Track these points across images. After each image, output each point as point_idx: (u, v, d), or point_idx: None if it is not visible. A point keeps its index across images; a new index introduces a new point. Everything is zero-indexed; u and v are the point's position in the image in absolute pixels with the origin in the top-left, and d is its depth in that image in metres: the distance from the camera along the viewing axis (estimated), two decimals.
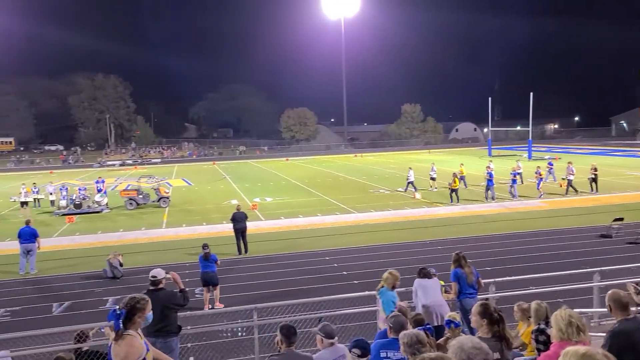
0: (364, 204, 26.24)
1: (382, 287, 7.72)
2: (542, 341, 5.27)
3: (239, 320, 9.17)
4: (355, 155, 69.47)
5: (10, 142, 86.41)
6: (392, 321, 5.30)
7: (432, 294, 7.96)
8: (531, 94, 50.35)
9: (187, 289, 7.39)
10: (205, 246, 12.37)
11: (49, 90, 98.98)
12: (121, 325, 4.13)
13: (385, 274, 7.68)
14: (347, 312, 8.97)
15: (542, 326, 5.46)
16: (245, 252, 16.95)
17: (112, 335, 4.29)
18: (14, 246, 17.23)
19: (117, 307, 4.27)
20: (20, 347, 7.93)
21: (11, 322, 11.82)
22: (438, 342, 5.68)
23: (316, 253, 16.93)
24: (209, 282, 12.13)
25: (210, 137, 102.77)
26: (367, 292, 10.13)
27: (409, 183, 29.83)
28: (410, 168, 30.56)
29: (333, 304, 9.55)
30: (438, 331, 7.07)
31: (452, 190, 25.50)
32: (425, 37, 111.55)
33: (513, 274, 11.67)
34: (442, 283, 8.53)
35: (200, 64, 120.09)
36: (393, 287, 7.70)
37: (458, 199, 25.51)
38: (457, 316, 6.50)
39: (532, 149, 54.31)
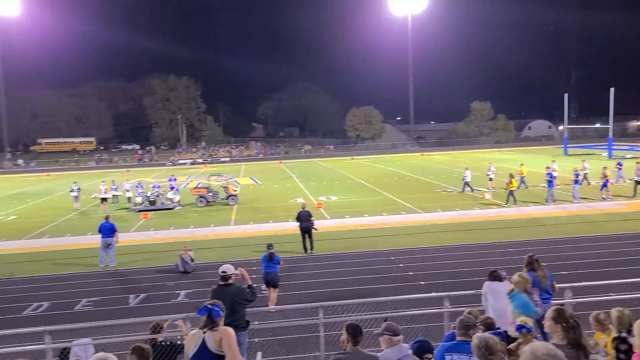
0: (430, 204, 25.77)
1: (513, 290, 7.41)
2: (624, 350, 4.96)
3: (305, 318, 9.24)
4: (422, 154, 68.40)
5: (91, 142, 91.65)
6: (459, 322, 5.16)
7: (503, 298, 7.67)
8: (612, 89, 47.56)
9: (254, 285, 7.54)
10: (270, 246, 12.32)
11: (126, 93, 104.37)
12: (222, 314, 4.80)
13: (515, 277, 7.36)
14: (413, 313, 8.84)
15: (624, 335, 5.13)
16: (311, 250, 17.01)
17: (184, 327, 4.53)
18: (94, 240, 18.26)
19: (208, 303, 4.89)
20: (100, 335, 8.39)
21: (92, 311, 12.53)
22: (509, 347, 5.48)
23: (381, 253, 16.80)
24: (270, 282, 12.07)
25: (277, 137, 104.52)
26: (433, 294, 9.95)
27: (465, 183, 29.13)
28: (466, 168, 29.83)
29: (398, 304, 9.45)
30: (509, 336, 6.81)
31: (509, 192, 24.58)
32: (496, 31, 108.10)
33: (591, 279, 11.07)
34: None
35: (267, 65, 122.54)
36: (525, 290, 7.38)
37: (515, 201, 24.51)
38: (529, 321, 6.24)
39: (613, 147, 51.28)
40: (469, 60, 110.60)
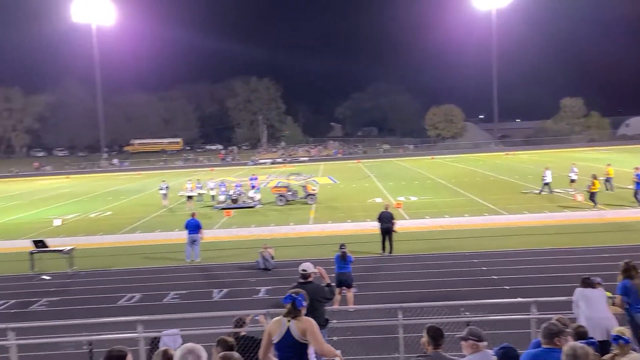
0: (516, 205, 24.73)
1: None
2: None
3: (384, 319, 9.17)
4: (507, 154, 65.80)
5: (179, 143, 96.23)
6: (543, 329, 4.90)
7: (596, 306, 7.21)
8: None
9: (332, 284, 7.58)
10: (342, 246, 12.21)
11: (211, 95, 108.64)
12: (304, 304, 5.11)
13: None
14: (497, 318, 8.51)
15: None
16: (390, 252, 16.72)
17: (265, 323, 4.65)
18: (181, 236, 19.16)
19: (293, 292, 5.16)
20: (187, 326, 8.78)
21: (179, 304, 13.15)
22: (603, 358, 5.14)
23: (463, 255, 16.33)
24: (343, 282, 11.89)
25: (355, 136, 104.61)
26: (519, 299, 9.53)
27: (545, 184, 27.66)
28: (547, 168, 28.26)
29: (481, 309, 9.15)
30: (603, 347, 6.38)
31: (591, 194, 23.02)
32: (586, 23, 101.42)
33: None
34: (609, 295, 7.68)
35: (347, 65, 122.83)
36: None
37: (595, 203, 22.87)
38: (626, 331, 5.80)
39: None
40: (557, 54, 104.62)
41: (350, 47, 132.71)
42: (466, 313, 8.27)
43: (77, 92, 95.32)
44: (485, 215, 22.91)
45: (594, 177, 23.40)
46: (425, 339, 5.10)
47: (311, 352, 5.14)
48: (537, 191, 28.13)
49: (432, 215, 23.48)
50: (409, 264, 15.75)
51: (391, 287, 13.52)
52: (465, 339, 4.95)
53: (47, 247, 16.85)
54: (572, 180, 28.03)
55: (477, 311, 9.15)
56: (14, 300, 13.94)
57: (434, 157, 66.48)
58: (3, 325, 8.11)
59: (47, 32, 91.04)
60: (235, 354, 4.13)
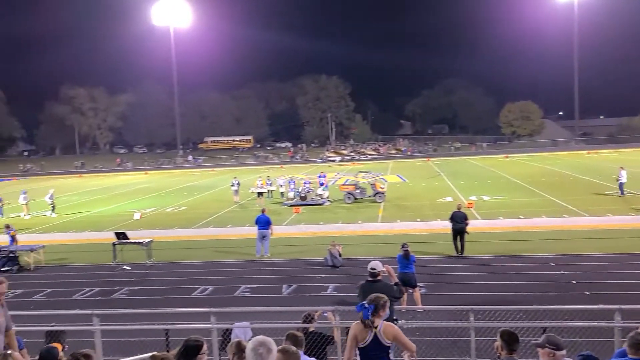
0: (598, 207, 23.38)
1: None
2: None
3: (455, 320, 8.94)
4: (589, 152, 62.39)
5: (249, 140, 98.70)
6: (630, 339, 4.57)
7: None
8: None
9: (400, 283, 7.48)
10: (404, 245, 12.03)
11: (281, 93, 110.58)
12: (370, 315, 5.34)
13: None
14: (577, 325, 8.06)
15: None
16: (462, 252, 16.27)
17: (333, 320, 4.68)
18: (251, 231, 19.60)
19: (366, 302, 5.45)
20: (257, 320, 8.97)
21: (250, 297, 13.47)
22: None
23: (539, 258, 15.64)
24: (407, 283, 11.54)
25: (425, 134, 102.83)
26: (601, 306, 8.99)
27: (620, 184, 26.12)
28: (622, 168, 26.62)
29: (559, 314, 8.72)
30: None
31: None
32: None
33: None
34: None
35: (417, 61, 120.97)
36: None
37: None
38: None
39: None
40: None
41: (421, 43, 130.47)
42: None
43: (155, 92, 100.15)
44: (564, 217, 21.83)
45: None
46: (499, 343, 4.92)
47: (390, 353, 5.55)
48: (620, 193, 26.42)
49: (506, 216, 22.66)
50: (481, 265, 15.28)
51: (462, 289, 13.16)
52: (542, 346, 4.72)
53: (127, 239, 17.79)
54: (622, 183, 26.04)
55: (554, 317, 8.73)
56: (99, 288, 14.82)
57: (508, 155, 64.11)
58: (89, 312, 8.64)
59: (129, 35, 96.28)
60: (293, 348, 4.18)
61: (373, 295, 5.53)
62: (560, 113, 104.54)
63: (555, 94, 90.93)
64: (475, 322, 7.84)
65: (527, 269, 14.56)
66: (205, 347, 4.69)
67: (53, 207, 30.21)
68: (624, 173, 26.16)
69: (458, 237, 16.30)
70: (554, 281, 13.37)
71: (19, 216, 29.49)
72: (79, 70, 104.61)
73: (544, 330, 7.65)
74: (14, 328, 6.48)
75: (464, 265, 15.37)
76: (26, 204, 29.94)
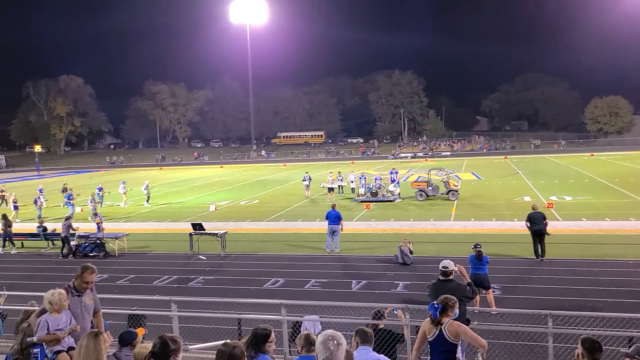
0: None
1: None
2: None
3: (531, 325, 8.58)
4: None
5: (321, 136, 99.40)
6: None
7: None
8: None
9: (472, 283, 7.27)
10: (477, 245, 11.71)
11: (353, 89, 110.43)
12: (438, 314, 5.60)
13: None
14: None
15: None
16: (542, 256, 15.37)
17: (403, 318, 4.63)
18: (321, 226, 19.76)
19: (436, 302, 5.69)
20: (326, 314, 9.04)
21: (319, 291, 13.59)
22: None
23: (626, 263, 14.67)
24: (479, 284, 11.19)
25: (503, 130, 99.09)
26: None
27: None
28: None
29: None
30: None
31: None
32: None
33: None
34: None
35: (494, 54, 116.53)
36: None
37: None
38: None
39: None
40: None
41: (500, 35, 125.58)
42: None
43: (231, 88, 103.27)
44: None
45: None
46: (579, 351, 4.67)
47: (459, 350, 5.79)
48: None
49: (590, 218, 21.44)
50: (561, 269, 14.54)
51: (540, 292, 12.60)
52: (632, 356, 4.43)
53: (204, 230, 18.48)
54: None
55: None
56: (176, 276, 15.51)
57: (594, 154, 60.56)
58: (167, 298, 9.07)
59: (208, 33, 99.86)
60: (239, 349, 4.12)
61: (443, 296, 5.74)
62: None
63: None
64: (553, 328, 7.50)
65: (611, 274, 13.70)
66: (273, 335, 4.82)
67: (148, 197, 31.80)
68: None
69: (537, 240, 15.45)
70: (639, 288, 12.52)
71: (119, 205, 31.14)
72: (162, 67, 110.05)
73: (630, 340, 7.19)
74: (102, 310, 6.93)
75: (543, 268, 14.69)
76: (125, 193, 31.59)
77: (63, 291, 6.13)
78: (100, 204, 29.27)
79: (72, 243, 18.97)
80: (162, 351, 3.91)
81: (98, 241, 18.97)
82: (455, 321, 5.68)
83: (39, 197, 28.39)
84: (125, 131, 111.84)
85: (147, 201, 31.70)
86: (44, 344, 5.96)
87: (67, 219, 19.50)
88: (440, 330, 5.61)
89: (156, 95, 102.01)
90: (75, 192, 29.23)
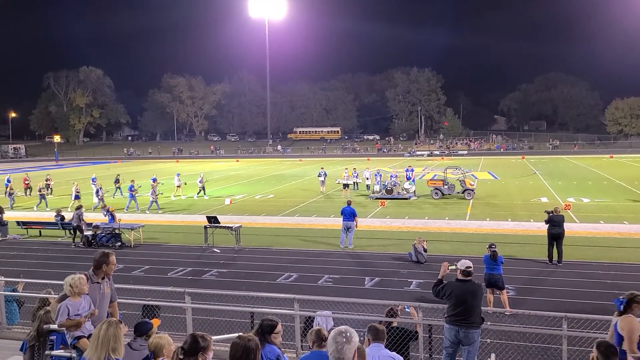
0: None
1: None
2: None
3: (545, 327, 8.50)
4: None
5: (337, 132, 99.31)
6: None
7: None
8: None
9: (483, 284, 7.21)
10: (492, 245, 11.64)
11: (370, 85, 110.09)
12: (621, 308, 5.93)
13: None
14: None
15: None
16: (559, 262, 14.96)
17: (416, 316, 4.56)
18: (336, 222, 19.75)
19: (622, 296, 6.03)
20: (339, 310, 9.05)
21: (332, 287, 13.60)
22: None
23: None
24: (494, 284, 11.33)
25: (521, 130, 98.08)
26: None
27: None
28: None
29: None
30: None
31: None
32: None
33: None
34: None
35: (513, 53, 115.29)
36: None
37: None
38: None
39: None
40: None
41: (519, 34, 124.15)
42: None
43: (249, 82, 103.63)
44: None
45: None
46: (594, 354, 4.63)
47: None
48: None
49: (608, 220, 21.14)
50: (578, 271, 14.37)
51: (555, 295, 12.47)
52: None
53: (218, 223, 18.59)
54: None
55: None
56: (191, 268, 15.64)
57: (613, 155, 59.66)
58: (182, 289, 9.15)
59: (227, 27, 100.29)
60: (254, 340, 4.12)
61: (630, 291, 6.18)
62: None
63: None
64: (568, 331, 7.44)
65: (628, 278, 13.51)
66: (279, 327, 4.87)
67: (203, 189, 31.33)
68: None
69: (554, 243, 15.11)
70: None
71: (169, 197, 30.65)
72: (180, 60, 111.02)
73: None
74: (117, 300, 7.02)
75: (559, 270, 14.53)
76: (179, 185, 31.51)
77: (83, 276, 6.24)
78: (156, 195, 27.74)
79: (88, 233, 19.24)
80: (192, 347, 4.04)
81: (115, 231, 19.19)
82: (629, 316, 5.90)
83: (100, 188, 27.72)
84: (143, 123, 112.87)
85: (204, 193, 31.00)
86: (64, 329, 6.06)
87: (78, 208, 19.85)
88: (616, 323, 5.89)
89: (174, 88, 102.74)
90: (136, 183, 27.89)
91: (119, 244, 18.84)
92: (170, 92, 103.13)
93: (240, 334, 4.14)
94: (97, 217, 21.61)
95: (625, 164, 49.32)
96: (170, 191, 31.82)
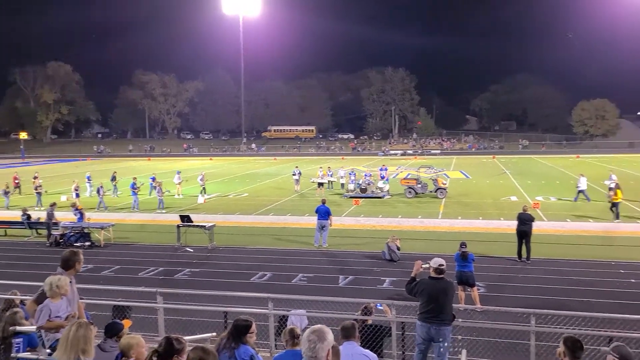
0: None
1: None
2: None
3: (514, 323, 8.68)
4: None
5: (312, 130, 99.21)
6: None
7: None
8: None
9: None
10: (462, 244, 11.90)
11: (345, 84, 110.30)
12: None
13: None
14: None
15: None
16: (527, 259, 15.36)
17: (390, 313, 4.59)
18: (310, 221, 19.78)
19: None
20: (313, 309, 9.07)
21: (306, 286, 13.63)
22: None
23: (608, 264, 14.89)
24: (465, 282, 11.63)
25: (492, 130, 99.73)
26: None
27: (579, 192, 25.59)
28: (581, 175, 26.09)
29: (626, 324, 8.31)
30: None
31: (612, 204, 20.69)
32: None
33: None
34: None
35: (485, 55, 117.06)
36: None
37: (617, 215, 20.50)
38: None
39: None
40: None
41: (491, 36, 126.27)
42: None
43: (223, 80, 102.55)
44: (638, 223, 20.63)
45: (617, 186, 21.31)
46: (561, 349, 4.74)
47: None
48: (573, 199, 26.26)
49: (575, 219, 21.68)
50: (546, 268, 14.71)
51: (524, 291, 12.75)
52: (609, 353, 4.50)
53: (191, 222, 18.41)
54: (610, 189, 23.83)
55: (621, 327, 8.31)
56: (163, 268, 15.46)
57: (580, 155, 61.16)
58: (153, 289, 9.04)
59: (201, 24, 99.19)
60: (211, 349, 4.12)
61: None
62: (639, 113, 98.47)
63: (633, 92, 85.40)
64: (536, 327, 7.61)
65: (594, 275, 13.91)
66: (254, 326, 4.84)
67: (204, 188, 30.44)
68: (583, 180, 25.85)
69: (522, 241, 15.53)
70: (621, 289, 12.73)
71: (173, 195, 29.94)
72: (152, 57, 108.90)
73: (610, 339, 7.30)
74: (85, 301, 6.90)
75: (527, 267, 14.86)
76: (179, 183, 30.74)
77: (65, 277, 6.10)
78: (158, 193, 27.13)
79: (57, 232, 18.84)
80: (166, 350, 3.97)
81: (84, 231, 18.83)
82: None
83: (101, 186, 26.87)
84: (114, 120, 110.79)
85: (203, 192, 30.07)
86: (42, 331, 5.92)
87: (52, 205, 19.44)
88: None
89: (146, 85, 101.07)
90: (139, 181, 27.14)
91: (89, 243, 18.48)
92: (142, 89, 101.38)
93: (197, 345, 4.09)
94: (66, 216, 21.15)
95: (591, 163, 50.62)
96: (171, 189, 31.22)
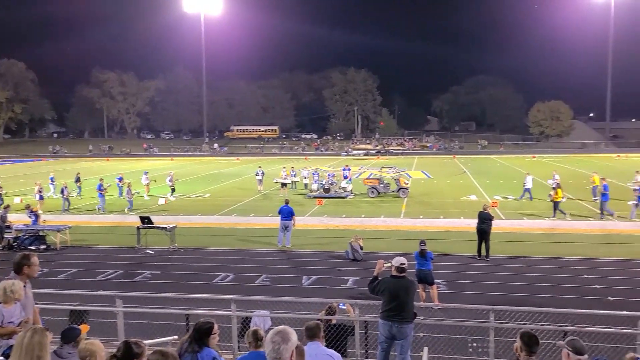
0: (626, 212, 22.85)
1: None
2: None
3: (474, 320, 8.88)
4: (618, 156, 60.93)
5: (275, 130, 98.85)
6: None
7: None
8: None
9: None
10: (422, 243, 12.09)
11: (308, 84, 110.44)
12: None
13: None
14: (598, 330, 7.93)
15: None
16: (486, 257, 15.73)
17: (352, 312, 4.62)
18: (274, 221, 19.71)
19: None
20: (276, 309, 9.05)
21: (270, 287, 13.58)
22: None
23: (563, 260, 15.41)
24: (424, 279, 11.80)
25: (452, 131, 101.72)
26: (625, 312, 8.85)
27: (525, 190, 26.61)
28: (527, 173, 27.35)
29: (580, 319, 8.62)
30: None
31: (554, 204, 21.76)
32: None
33: None
34: None
35: (445, 56, 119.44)
36: None
37: (555, 214, 21.72)
38: None
39: None
40: None
41: (451, 39, 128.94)
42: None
43: (184, 79, 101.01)
44: (590, 220, 21.44)
45: (558, 186, 22.43)
46: (518, 344, 4.88)
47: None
48: (518, 197, 27.37)
49: (531, 217, 22.34)
50: (504, 265, 15.12)
51: (483, 288, 13.07)
52: (564, 348, 4.66)
53: (152, 223, 18.06)
54: (553, 188, 24.95)
55: (576, 321, 8.63)
56: (122, 271, 15.12)
57: (536, 155, 63.04)
58: (112, 293, 8.84)
59: (161, 22, 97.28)
60: (171, 352, 4.10)
61: None
62: (591, 115, 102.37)
63: (586, 94, 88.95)
64: (495, 322, 7.80)
65: (549, 271, 14.35)
66: (216, 328, 4.79)
67: (173, 189, 29.76)
68: (529, 179, 26.89)
69: (482, 239, 15.87)
70: (576, 285, 13.19)
71: (142, 196, 29.25)
72: (111, 55, 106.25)
73: (565, 333, 7.56)
74: (40, 306, 6.67)
75: (486, 265, 15.23)
76: (147, 184, 29.96)
77: (20, 281, 5.89)
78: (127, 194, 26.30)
79: (10, 236, 18.17)
80: (125, 355, 3.89)
81: (39, 234, 18.22)
82: None
83: (65, 187, 25.94)
84: (70, 120, 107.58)
85: (172, 193, 29.56)
86: None
87: (5, 207, 18.73)
88: None
89: (104, 84, 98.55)
90: (105, 182, 26.47)
91: (44, 246, 17.89)
92: (100, 88, 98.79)
93: (157, 349, 4.03)
94: (21, 218, 20.43)
95: (547, 163, 52.18)
96: (140, 190, 30.47)
